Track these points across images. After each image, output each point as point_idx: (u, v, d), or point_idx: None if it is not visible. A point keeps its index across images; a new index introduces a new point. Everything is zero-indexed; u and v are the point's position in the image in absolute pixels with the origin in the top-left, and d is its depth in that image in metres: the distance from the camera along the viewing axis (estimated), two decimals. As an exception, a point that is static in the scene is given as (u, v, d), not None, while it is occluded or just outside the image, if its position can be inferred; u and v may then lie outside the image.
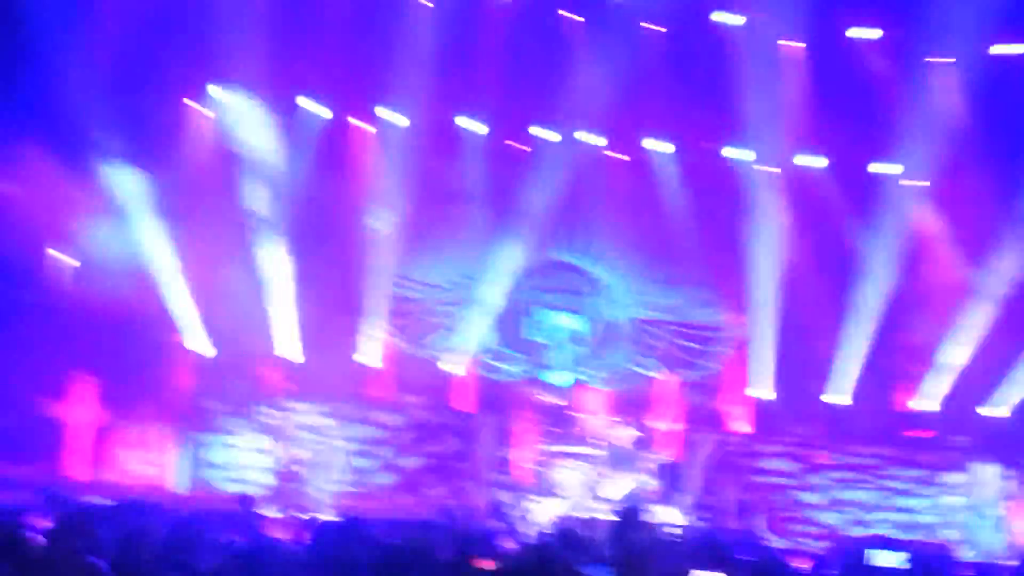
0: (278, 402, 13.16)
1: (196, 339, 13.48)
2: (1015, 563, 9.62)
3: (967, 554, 11.41)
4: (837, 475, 13.31)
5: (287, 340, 13.73)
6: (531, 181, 14.15)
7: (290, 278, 13.57)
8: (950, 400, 13.65)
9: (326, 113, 14.05)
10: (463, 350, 14.43)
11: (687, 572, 5.68)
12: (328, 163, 13.92)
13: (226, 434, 13.01)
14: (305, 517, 7.82)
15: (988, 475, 12.72)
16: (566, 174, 14.31)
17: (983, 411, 13.46)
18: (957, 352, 13.58)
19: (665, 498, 12.94)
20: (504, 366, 14.55)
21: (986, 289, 13.66)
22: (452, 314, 14.56)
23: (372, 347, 14.14)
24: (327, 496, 12.62)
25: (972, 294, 13.80)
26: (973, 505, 12.71)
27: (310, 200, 13.57)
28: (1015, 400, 13.29)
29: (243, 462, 12.93)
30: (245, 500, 8.75)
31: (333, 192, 13.83)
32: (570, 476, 12.92)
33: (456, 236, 14.44)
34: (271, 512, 11.53)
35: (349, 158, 14.23)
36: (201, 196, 12.83)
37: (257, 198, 13.35)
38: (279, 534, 6.96)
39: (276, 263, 13.52)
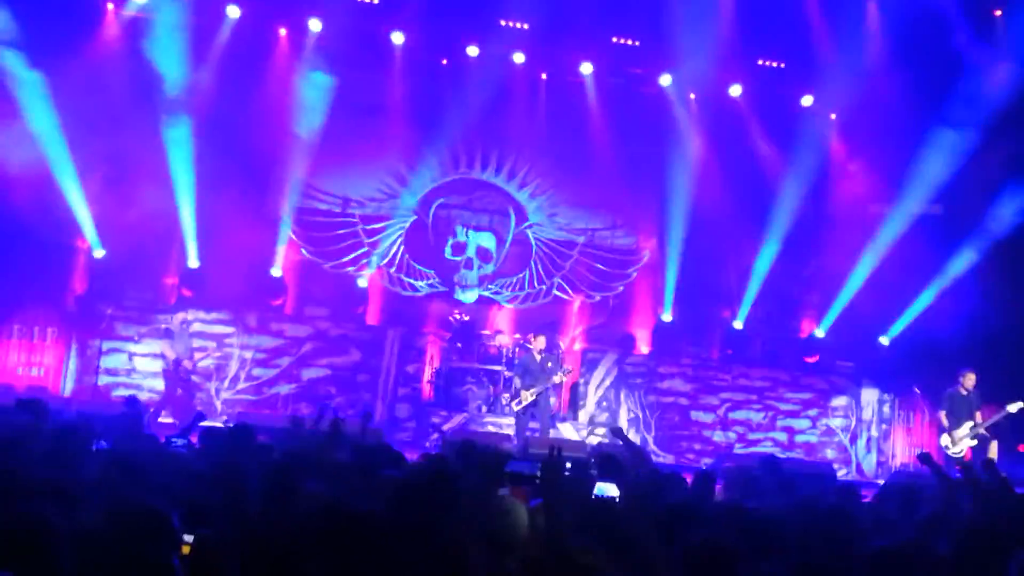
0: (176, 308, 12.90)
1: (93, 242, 13.06)
2: (882, 481, 10.17)
3: (841, 472, 12.01)
4: (729, 396, 13.78)
5: (189, 246, 13.41)
6: (450, 97, 13.94)
7: (195, 183, 13.17)
8: (839, 328, 14.19)
9: (240, 15, 13.49)
10: (371, 264, 14.34)
11: (592, 482, 5.89)
12: (243, 68, 13.43)
13: (121, 340, 12.72)
14: (198, 424, 7.75)
15: (867, 400, 13.36)
16: (486, 92, 14.13)
17: (868, 340, 14.04)
18: (850, 283, 14.08)
19: (565, 414, 13.29)
20: (412, 281, 14.52)
21: (885, 224, 14.14)
22: (361, 227, 14.40)
23: (278, 256, 13.94)
24: (221, 404, 12.55)
25: (870, 228, 14.27)
26: (851, 427, 13.37)
27: (221, 105, 13.11)
28: (897, 330, 13.89)
29: (138, 368, 12.70)
30: (133, 402, 8.60)
31: (246, 98, 13.37)
32: (473, 391, 13.11)
33: (370, 149, 14.19)
34: (163, 418, 11.45)
35: (266, 64, 13.75)
36: (106, 96, 12.25)
37: (166, 102, 12.82)
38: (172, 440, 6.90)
39: (181, 168, 13.08)
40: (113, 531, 3.30)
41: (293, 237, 14.10)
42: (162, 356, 11.94)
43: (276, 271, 13.87)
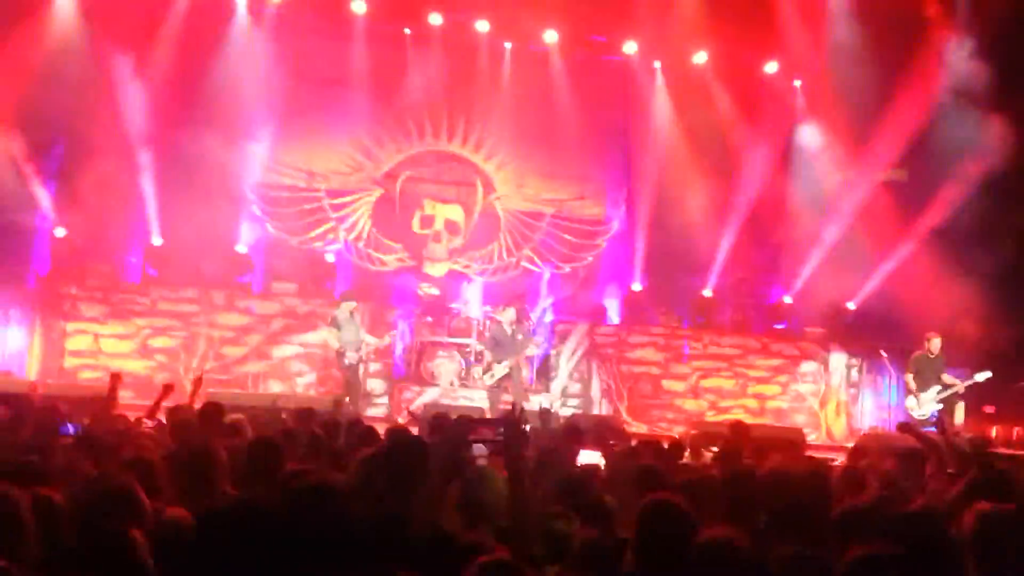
0: (141, 288, 12.72)
1: (55, 221, 12.81)
2: (851, 444, 10.31)
3: (811, 437, 12.16)
4: (700, 364, 13.86)
5: (152, 224, 13.20)
6: (415, 68, 13.78)
7: (157, 159, 12.94)
8: (808, 294, 14.32)
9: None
10: (338, 238, 14.21)
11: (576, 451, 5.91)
12: (204, 38, 13.18)
13: (86, 321, 12.53)
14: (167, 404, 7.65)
15: (835, 365, 13.50)
16: (450, 61, 14.01)
17: (835, 304, 14.18)
18: (817, 249, 14.18)
19: (536, 385, 13.31)
20: (380, 255, 14.41)
21: (851, 190, 14.25)
22: (327, 202, 14.25)
23: (242, 233, 13.77)
24: (190, 384, 12.38)
25: (838, 195, 14.37)
26: (820, 392, 13.51)
27: (182, 77, 12.87)
28: (863, 294, 14.04)
29: (104, 349, 12.52)
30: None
31: (205, 69, 13.14)
32: (443, 364, 13.08)
33: (334, 122, 14.02)
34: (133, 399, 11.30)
35: (224, 34, 13.50)
36: (64, 67, 11.98)
37: (126, 74, 12.56)
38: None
39: (143, 142, 12.84)
40: (78, 507, 3.27)
41: (257, 212, 13.92)
42: (128, 337, 11.77)
43: (241, 248, 13.70)
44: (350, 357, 11.46)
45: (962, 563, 3.25)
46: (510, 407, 4.31)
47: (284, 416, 6.88)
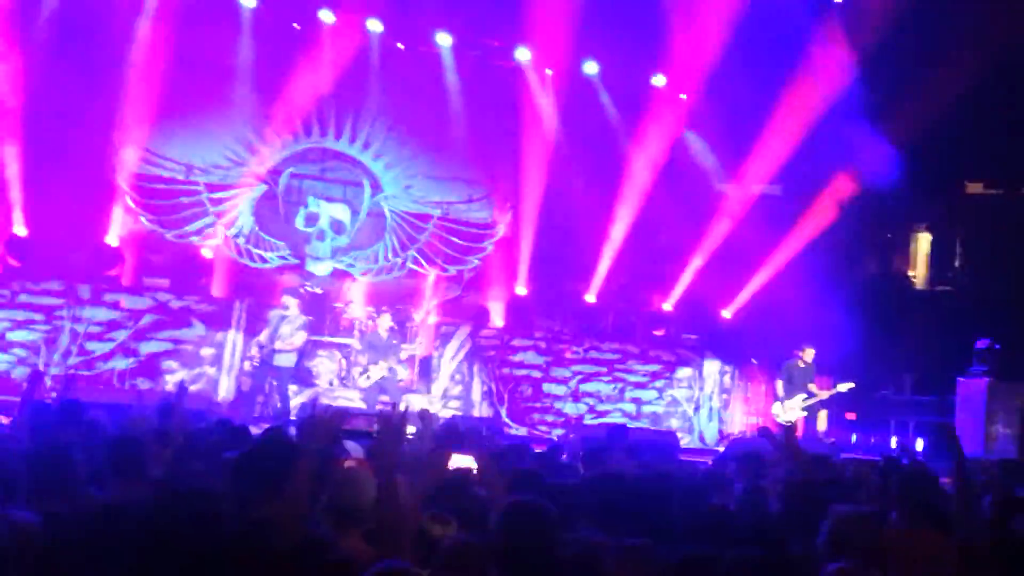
0: (1, 280, 12.03)
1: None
2: (722, 448, 10.63)
3: (684, 440, 12.49)
4: (580, 368, 14.05)
5: (16, 214, 12.51)
6: (303, 64, 13.51)
7: (21, 144, 12.28)
8: (685, 302, 14.71)
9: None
10: (217, 234, 13.78)
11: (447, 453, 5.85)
12: (80, 22, 12.58)
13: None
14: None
15: (709, 371, 13.92)
16: (340, 59, 13.78)
17: (712, 314, 14.63)
18: (696, 258, 14.60)
19: (417, 387, 13.23)
20: (261, 252, 14.05)
21: (730, 201, 14.74)
22: (207, 196, 13.81)
23: (114, 225, 13.20)
24: (51, 380, 11.80)
25: (715, 206, 14.84)
26: (694, 398, 13.90)
27: (55, 61, 12.24)
28: (738, 305, 14.54)
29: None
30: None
31: (82, 55, 12.54)
32: (323, 364, 12.86)
33: (217, 114, 13.60)
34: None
35: (105, 19, 12.90)
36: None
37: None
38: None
39: (8, 128, 12.16)
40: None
41: (131, 204, 13.37)
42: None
43: (112, 240, 13.12)
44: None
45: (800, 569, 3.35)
46: (388, 406, 4.26)
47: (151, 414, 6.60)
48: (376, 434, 4.07)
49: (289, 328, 11.74)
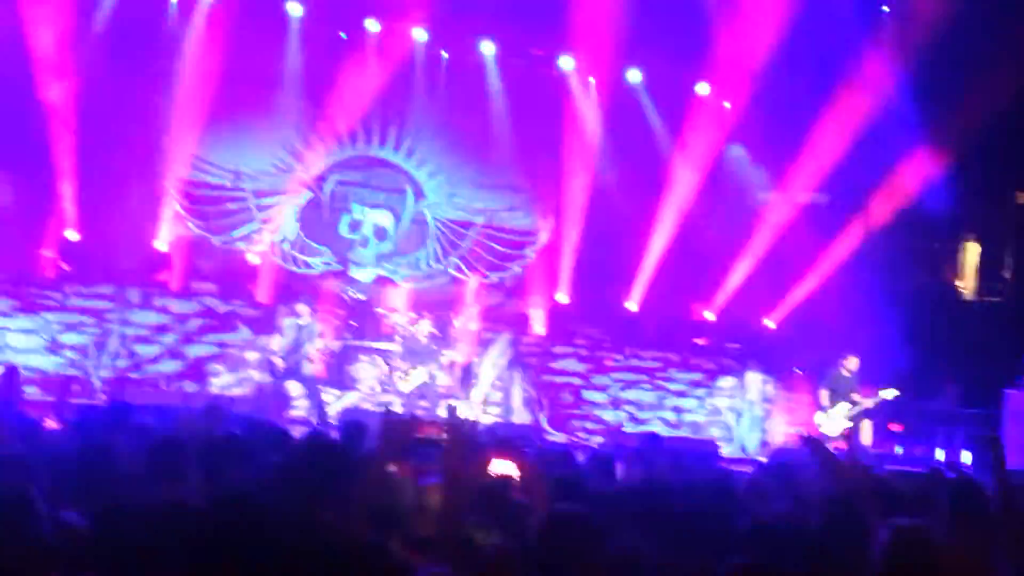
0: (53, 283, 12.30)
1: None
2: (764, 459, 10.53)
3: (726, 449, 12.39)
4: (620, 376, 14.01)
5: (68, 218, 12.80)
6: (349, 72, 13.66)
7: (74, 150, 12.56)
8: (728, 311, 14.60)
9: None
10: (263, 240, 13.96)
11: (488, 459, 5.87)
12: (133, 34, 12.85)
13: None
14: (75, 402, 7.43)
15: (752, 380, 13.79)
16: (386, 68, 13.91)
17: (754, 323, 14.51)
18: (739, 267, 14.49)
19: (458, 394, 13.27)
20: (305, 258, 14.21)
21: (773, 211, 14.61)
22: (253, 202, 14.00)
23: (163, 231, 13.44)
24: (100, 382, 12.04)
25: (759, 214, 14.72)
26: (736, 407, 13.78)
27: (109, 73, 12.51)
28: (781, 315, 14.40)
29: (11, 344, 12.07)
30: (11, 372, 8.17)
31: (135, 65, 12.80)
32: (365, 369, 12.97)
33: (264, 122, 13.80)
34: (39, 395, 10.93)
35: (157, 31, 13.19)
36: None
37: (41, 67, 12.18)
38: (45, 419, 6.58)
39: (60, 133, 12.45)
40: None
41: (179, 210, 13.60)
42: (38, 333, 11.46)
43: (161, 245, 13.36)
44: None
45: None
46: (450, 410, 4.29)
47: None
48: (445, 443, 4.06)
49: (312, 339, 11.90)
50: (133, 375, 12.09)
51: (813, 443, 6.12)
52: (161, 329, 12.62)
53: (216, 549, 3.12)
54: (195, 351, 12.65)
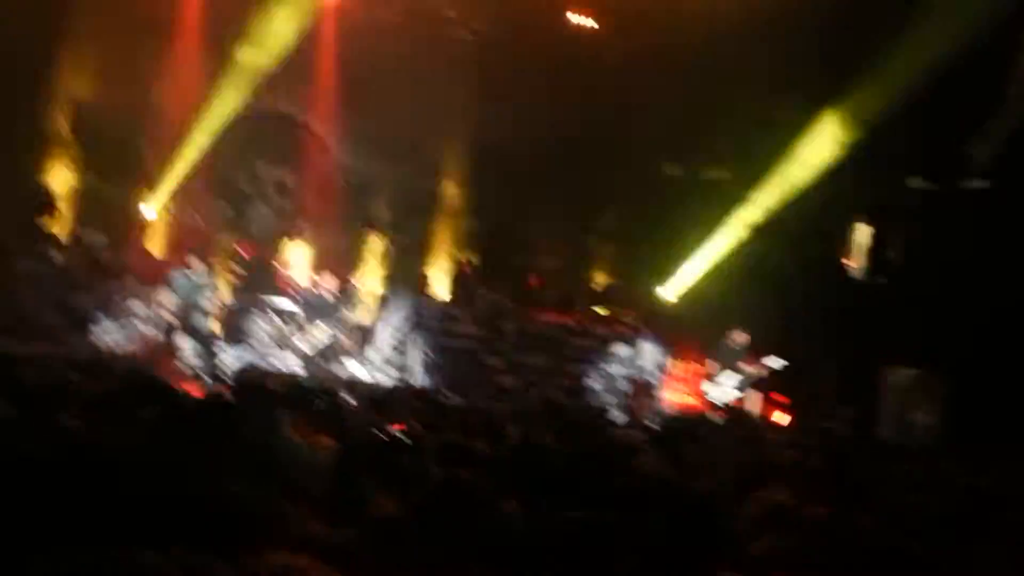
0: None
1: None
2: (657, 427, 10.80)
3: (619, 416, 12.67)
4: (521, 341, 14.10)
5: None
6: (251, 25, 13.24)
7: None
8: (628, 281, 14.86)
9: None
10: (157, 192, 13.49)
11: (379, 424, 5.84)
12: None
13: None
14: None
15: (647, 349, 14.09)
16: (289, 24, 13.51)
17: (654, 294, 14.84)
18: (641, 240, 14.77)
19: (357, 354, 13.18)
20: (202, 211, 13.81)
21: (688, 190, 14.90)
22: (148, 152, 13.50)
23: (51, 179, 12.86)
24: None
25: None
26: (631, 375, 14.06)
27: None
28: (681, 288, 14.78)
29: None
30: None
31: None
32: (263, 327, 12.73)
33: (158, 70, 13.27)
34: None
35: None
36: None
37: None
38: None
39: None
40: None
41: (68, 159, 13.01)
42: None
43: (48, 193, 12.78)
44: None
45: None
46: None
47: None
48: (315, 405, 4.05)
49: (205, 292, 11.65)
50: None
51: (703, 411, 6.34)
52: (45, 279, 12.09)
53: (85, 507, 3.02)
54: (81, 301, 12.17)
